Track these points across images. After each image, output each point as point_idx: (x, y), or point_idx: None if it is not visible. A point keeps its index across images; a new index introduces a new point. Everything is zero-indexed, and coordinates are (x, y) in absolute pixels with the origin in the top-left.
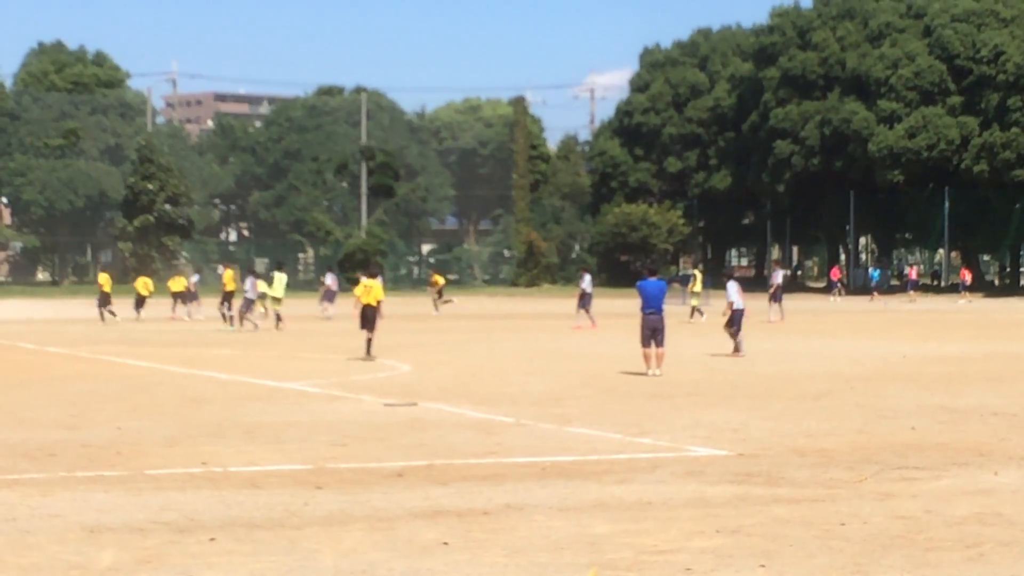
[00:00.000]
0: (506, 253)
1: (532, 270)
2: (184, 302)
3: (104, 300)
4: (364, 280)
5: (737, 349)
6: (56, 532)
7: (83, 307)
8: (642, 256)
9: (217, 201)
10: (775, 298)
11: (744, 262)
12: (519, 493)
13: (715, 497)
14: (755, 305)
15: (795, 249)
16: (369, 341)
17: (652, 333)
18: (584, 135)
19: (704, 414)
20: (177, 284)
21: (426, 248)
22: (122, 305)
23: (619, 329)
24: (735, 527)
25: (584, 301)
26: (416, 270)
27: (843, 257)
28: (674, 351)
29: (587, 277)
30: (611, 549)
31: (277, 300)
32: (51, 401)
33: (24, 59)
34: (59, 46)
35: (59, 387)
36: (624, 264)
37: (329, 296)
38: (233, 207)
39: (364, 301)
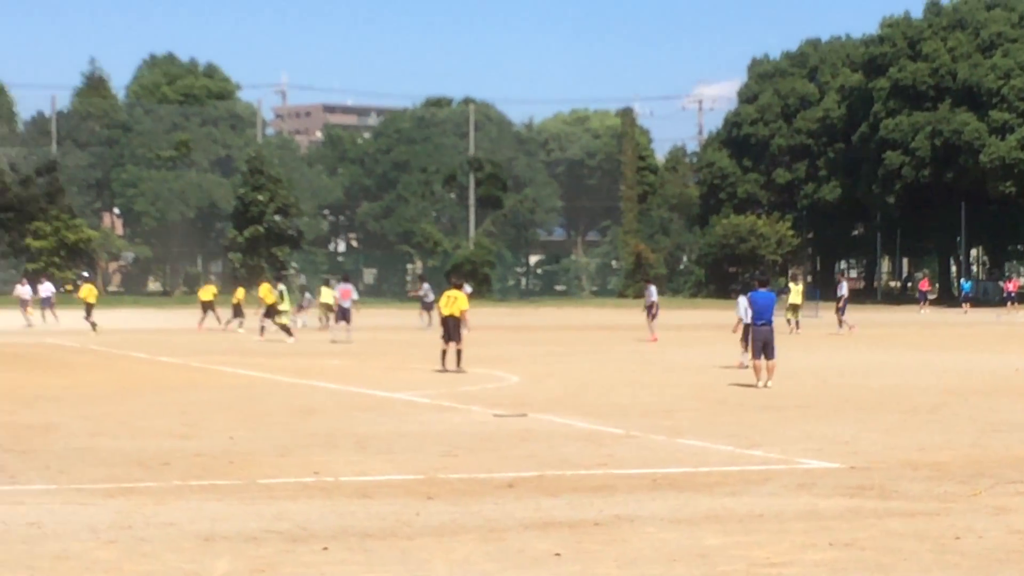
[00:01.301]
0: (614, 264)
1: (640, 281)
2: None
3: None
4: (447, 291)
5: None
6: (171, 540)
7: (194, 317)
8: (750, 267)
9: (326, 212)
10: (840, 310)
11: (854, 274)
12: (630, 505)
13: (827, 510)
14: (855, 317)
15: (905, 261)
16: (459, 353)
17: (763, 345)
18: (692, 146)
19: (815, 426)
20: (207, 293)
21: (534, 259)
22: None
23: (728, 341)
24: (848, 540)
25: (652, 313)
26: (524, 281)
27: (954, 269)
28: (785, 363)
29: (652, 288)
30: (723, 561)
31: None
32: (164, 410)
33: (136, 71)
34: (171, 58)
35: (171, 396)
36: (732, 275)
37: (427, 307)
38: (342, 218)
39: (446, 312)
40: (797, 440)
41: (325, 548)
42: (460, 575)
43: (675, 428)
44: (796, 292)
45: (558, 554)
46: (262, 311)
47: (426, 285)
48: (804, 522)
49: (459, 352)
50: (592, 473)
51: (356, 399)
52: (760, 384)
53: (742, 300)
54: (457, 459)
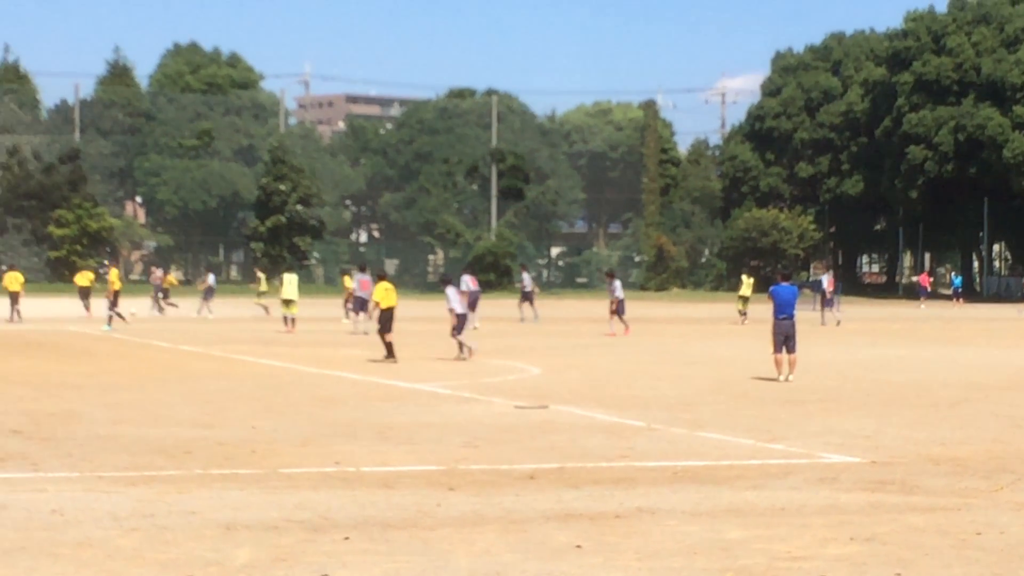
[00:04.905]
0: (636, 257)
1: (661, 274)
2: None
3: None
4: (383, 283)
5: (461, 351)
6: (193, 529)
7: (217, 306)
8: (772, 261)
9: (348, 202)
10: (826, 303)
11: (875, 268)
12: (651, 497)
13: (848, 504)
14: (877, 312)
15: (927, 256)
16: (389, 345)
17: (784, 339)
18: (715, 139)
19: (836, 421)
20: (83, 279)
21: (555, 251)
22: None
23: (750, 335)
24: (869, 535)
25: (620, 308)
26: (545, 273)
27: (976, 264)
28: (806, 357)
29: (616, 283)
30: (744, 555)
31: (289, 303)
32: (186, 399)
33: (160, 60)
34: (194, 47)
35: (193, 385)
36: (754, 269)
37: (474, 301)
38: (364, 208)
39: (385, 304)
40: (818, 434)
41: (346, 538)
42: (481, 566)
43: (696, 421)
44: (747, 285)
45: (579, 546)
46: (111, 298)
47: (526, 275)
48: (825, 516)
49: (390, 344)
50: (613, 465)
51: (377, 390)
52: (781, 378)
53: (451, 291)
54: (478, 450)
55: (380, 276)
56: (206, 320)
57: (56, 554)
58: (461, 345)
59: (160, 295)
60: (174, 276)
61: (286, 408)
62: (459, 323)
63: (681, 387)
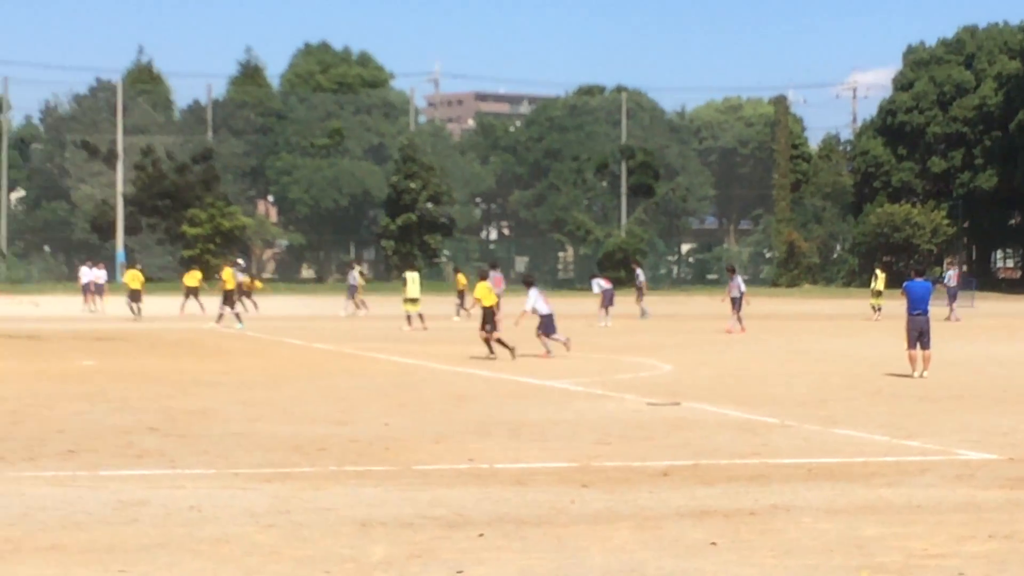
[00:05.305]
0: (767, 253)
1: (793, 270)
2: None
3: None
4: (483, 282)
5: (563, 345)
6: (329, 525)
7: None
8: (905, 257)
9: (478, 200)
10: (951, 297)
11: (1010, 263)
12: (786, 494)
13: (986, 501)
14: (1012, 307)
15: None
16: (500, 341)
17: (918, 335)
18: (846, 134)
19: (973, 417)
20: (192, 279)
21: (685, 247)
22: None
23: (884, 331)
24: (1008, 532)
25: (737, 304)
26: (676, 269)
27: None
28: (940, 353)
29: (739, 279)
30: (881, 552)
31: (413, 301)
32: (319, 396)
33: (291, 60)
34: (325, 47)
35: (326, 383)
36: (887, 265)
37: (609, 299)
38: (494, 206)
39: (486, 303)
40: (954, 431)
41: (481, 535)
42: (615, 563)
43: (830, 418)
44: (880, 280)
45: (714, 543)
46: (222, 298)
47: (640, 271)
48: (963, 514)
49: (500, 340)
50: (747, 462)
51: (509, 386)
52: (916, 374)
53: (533, 291)
54: (611, 447)
55: (482, 275)
56: (338, 317)
57: (195, 550)
58: (566, 341)
59: (245, 296)
60: (260, 281)
61: (419, 405)
62: (546, 323)
63: (814, 383)
